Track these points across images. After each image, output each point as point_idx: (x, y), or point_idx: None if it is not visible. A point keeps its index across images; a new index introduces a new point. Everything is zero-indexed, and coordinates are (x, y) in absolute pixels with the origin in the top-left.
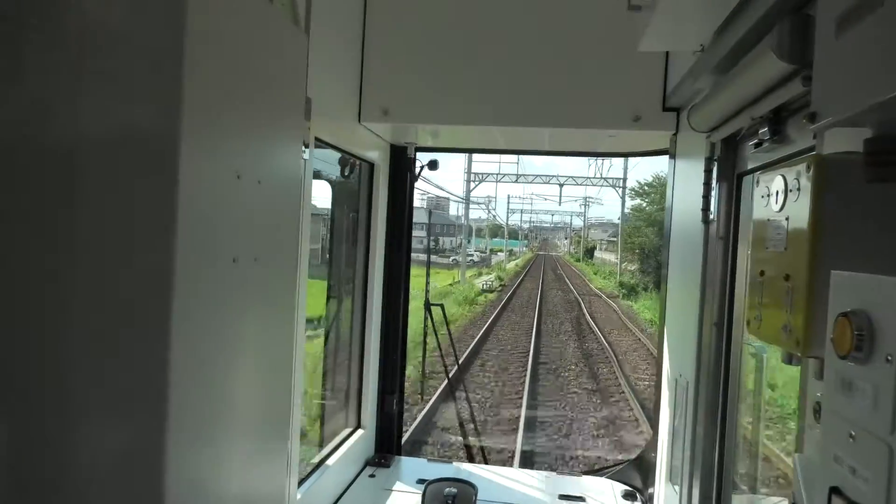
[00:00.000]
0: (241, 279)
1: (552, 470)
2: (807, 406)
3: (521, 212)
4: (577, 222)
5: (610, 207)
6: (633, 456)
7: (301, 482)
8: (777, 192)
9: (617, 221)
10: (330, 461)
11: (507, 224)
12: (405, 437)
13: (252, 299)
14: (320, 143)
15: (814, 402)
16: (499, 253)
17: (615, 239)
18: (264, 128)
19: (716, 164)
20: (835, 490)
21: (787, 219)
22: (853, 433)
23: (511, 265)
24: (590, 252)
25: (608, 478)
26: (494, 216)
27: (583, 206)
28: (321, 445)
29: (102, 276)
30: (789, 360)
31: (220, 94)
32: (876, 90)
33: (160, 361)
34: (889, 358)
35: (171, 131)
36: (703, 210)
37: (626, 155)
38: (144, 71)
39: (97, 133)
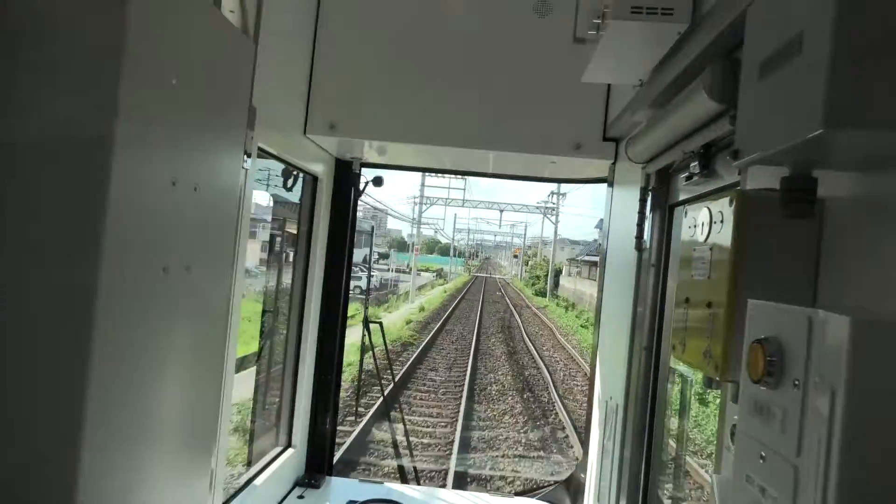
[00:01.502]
0: (171, 289)
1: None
2: (725, 428)
3: (469, 231)
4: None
5: (579, 222)
6: (563, 477)
7: (227, 502)
8: (703, 224)
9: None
10: (258, 481)
11: (453, 240)
12: (337, 456)
13: (182, 310)
14: (263, 154)
15: (731, 425)
16: (422, 273)
17: (594, 258)
18: (205, 134)
19: (650, 194)
20: None
21: (710, 249)
22: (763, 454)
23: (416, 306)
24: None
25: (539, 499)
26: (436, 230)
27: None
28: (249, 464)
29: (21, 282)
30: (709, 383)
31: (160, 96)
32: (791, 133)
33: (79, 370)
34: (797, 383)
35: (105, 132)
36: (637, 238)
37: (567, 181)
38: (81, 68)
39: (25, 130)
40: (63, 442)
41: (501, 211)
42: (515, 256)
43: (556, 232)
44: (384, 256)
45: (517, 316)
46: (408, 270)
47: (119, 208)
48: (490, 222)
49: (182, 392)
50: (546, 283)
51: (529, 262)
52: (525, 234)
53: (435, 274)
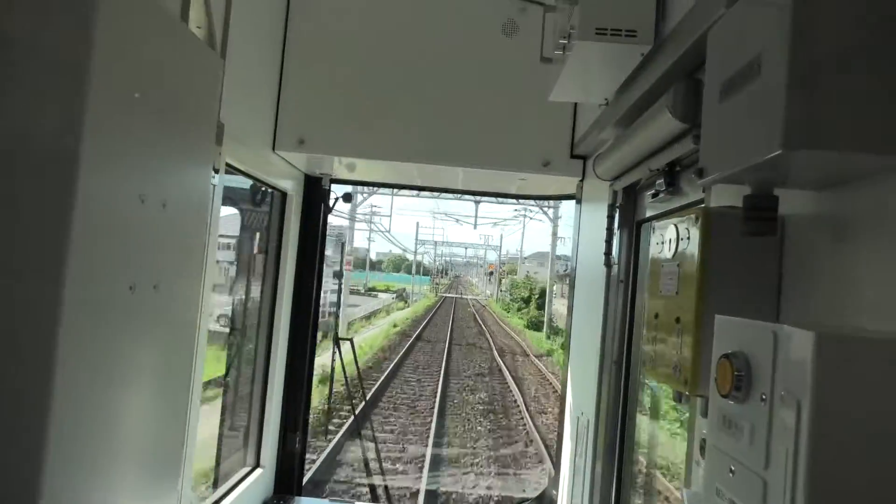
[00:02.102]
0: (138, 307)
1: None
2: (694, 442)
3: (436, 244)
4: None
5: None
6: (535, 494)
7: None
8: (670, 240)
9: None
10: (225, 502)
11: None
12: (307, 476)
13: (148, 329)
14: (231, 170)
15: (700, 439)
16: (380, 294)
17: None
18: (172, 150)
19: (618, 210)
20: None
21: (678, 265)
22: (733, 468)
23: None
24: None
25: None
26: (403, 250)
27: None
28: (215, 485)
29: None
30: (679, 398)
31: (126, 112)
32: (751, 153)
33: (42, 388)
34: (763, 397)
35: (70, 148)
36: (605, 254)
37: (535, 198)
38: (46, 84)
39: None
40: (25, 462)
41: (477, 203)
42: (490, 273)
43: (554, 237)
44: (337, 276)
45: (518, 393)
46: (363, 291)
47: (85, 225)
48: (462, 222)
49: (148, 413)
50: (536, 309)
51: (504, 280)
52: (500, 247)
53: (395, 295)
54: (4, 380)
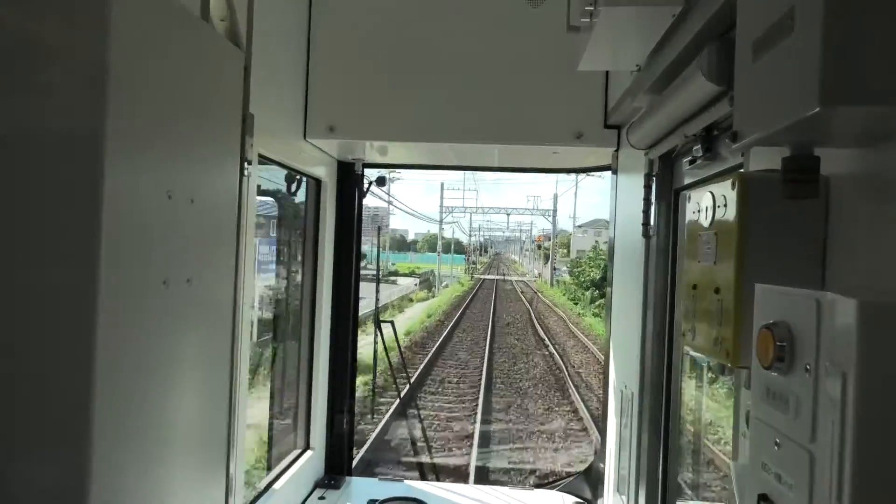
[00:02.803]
0: (173, 301)
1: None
2: (740, 415)
3: (465, 210)
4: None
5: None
6: (582, 468)
7: None
8: (706, 208)
9: None
10: (277, 484)
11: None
12: (357, 457)
13: (185, 322)
14: (264, 160)
15: (745, 412)
16: (400, 280)
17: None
18: (199, 146)
19: (654, 180)
20: (763, 497)
21: (715, 234)
22: (778, 441)
23: None
24: None
25: (559, 490)
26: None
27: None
28: (268, 468)
29: (23, 300)
30: (721, 370)
31: (150, 111)
32: (788, 112)
33: (83, 384)
34: (808, 368)
35: (95, 148)
36: (643, 225)
37: (570, 171)
38: (69, 86)
39: (16, 149)
40: (73, 455)
41: (508, 215)
42: (539, 247)
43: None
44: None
45: None
46: (392, 279)
47: (114, 222)
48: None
49: (191, 402)
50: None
51: (555, 255)
52: (554, 216)
53: (420, 280)
54: (47, 377)
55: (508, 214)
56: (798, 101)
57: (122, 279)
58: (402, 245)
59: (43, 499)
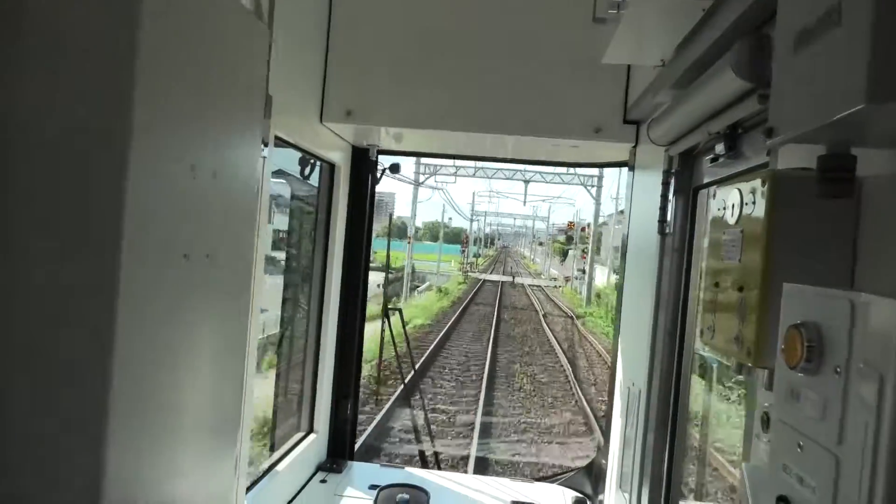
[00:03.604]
0: (193, 276)
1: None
2: (755, 416)
3: (486, 214)
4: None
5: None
6: (584, 463)
7: (250, 487)
8: (733, 206)
9: None
10: (280, 466)
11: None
12: (359, 441)
13: (203, 298)
14: (280, 142)
15: (762, 412)
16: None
17: None
18: (222, 120)
19: (673, 177)
20: (782, 499)
21: (741, 231)
22: (801, 443)
23: None
24: None
25: (560, 484)
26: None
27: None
28: (272, 450)
29: (43, 272)
30: (739, 370)
31: (177, 82)
32: (830, 109)
33: (103, 358)
34: (838, 369)
35: (122, 119)
36: (660, 222)
37: (587, 165)
38: (97, 57)
39: (43, 120)
40: (88, 431)
41: (527, 182)
42: (569, 238)
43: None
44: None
45: None
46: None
47: (139, 193)
48: (510, 196)
49: (205, 379)
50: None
51: (575, 253)
52: (598, 191)
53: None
54: (65, 349)
55: (514, 219)
56: (842, 97)
57: (146, 250)
58: (402, 233)
59: (60, 473)
